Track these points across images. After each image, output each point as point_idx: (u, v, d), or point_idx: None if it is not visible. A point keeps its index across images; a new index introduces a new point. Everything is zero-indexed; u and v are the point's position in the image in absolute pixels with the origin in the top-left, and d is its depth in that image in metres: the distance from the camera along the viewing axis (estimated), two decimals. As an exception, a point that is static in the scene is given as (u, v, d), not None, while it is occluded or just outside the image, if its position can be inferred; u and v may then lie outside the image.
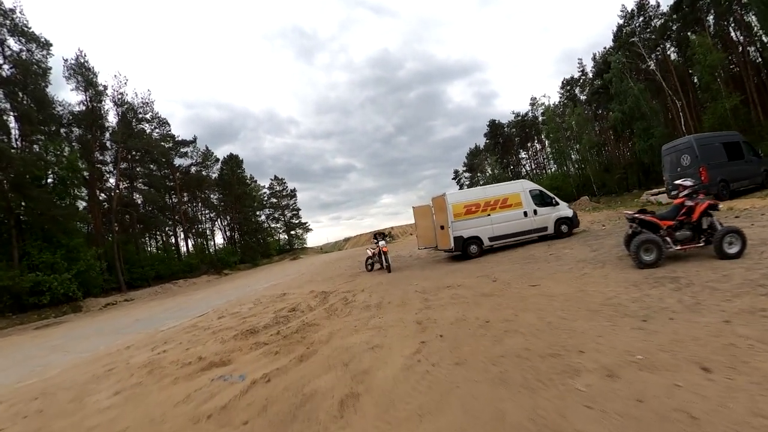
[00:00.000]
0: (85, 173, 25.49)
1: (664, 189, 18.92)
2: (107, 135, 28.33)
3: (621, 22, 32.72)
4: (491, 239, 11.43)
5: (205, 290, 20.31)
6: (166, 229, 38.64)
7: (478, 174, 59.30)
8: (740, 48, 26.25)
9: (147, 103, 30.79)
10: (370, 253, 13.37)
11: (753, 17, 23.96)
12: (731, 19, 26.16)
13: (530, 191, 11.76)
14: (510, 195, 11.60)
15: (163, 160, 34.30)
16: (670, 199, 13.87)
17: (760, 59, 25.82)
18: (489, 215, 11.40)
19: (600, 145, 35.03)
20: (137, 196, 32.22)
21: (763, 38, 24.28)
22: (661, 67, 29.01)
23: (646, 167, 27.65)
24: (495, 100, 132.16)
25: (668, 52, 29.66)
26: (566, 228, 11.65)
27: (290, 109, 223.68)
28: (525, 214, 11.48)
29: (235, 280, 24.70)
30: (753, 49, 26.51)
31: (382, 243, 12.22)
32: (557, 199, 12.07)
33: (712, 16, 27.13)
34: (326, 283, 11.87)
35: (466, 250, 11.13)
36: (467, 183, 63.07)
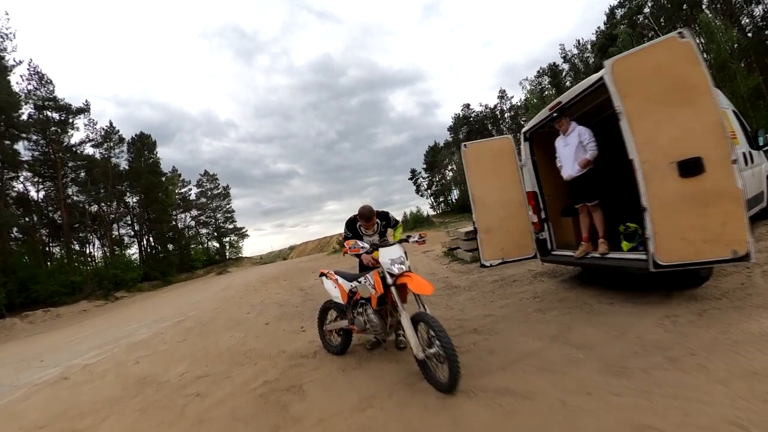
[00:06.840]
0: None
1: None
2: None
3: (614, 3, 30.38)
4: None
5: (25, 342, 10.50)
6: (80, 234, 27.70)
7: (443, 171, 54.76)
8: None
9: (3, 36, 20.69)
10: (333, 292, 3.55)
11: None
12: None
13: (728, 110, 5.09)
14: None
15: (7, 125, 23.68)
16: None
17: None
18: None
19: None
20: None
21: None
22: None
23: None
24: (437, 110, 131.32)
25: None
26: None
27: (229, 111, 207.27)
28: (744, 158, 4.62)
29: (100, 317, 14.13)
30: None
31: (389, 259, 2.80)
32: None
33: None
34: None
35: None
36: (425, 184, 57.62)
